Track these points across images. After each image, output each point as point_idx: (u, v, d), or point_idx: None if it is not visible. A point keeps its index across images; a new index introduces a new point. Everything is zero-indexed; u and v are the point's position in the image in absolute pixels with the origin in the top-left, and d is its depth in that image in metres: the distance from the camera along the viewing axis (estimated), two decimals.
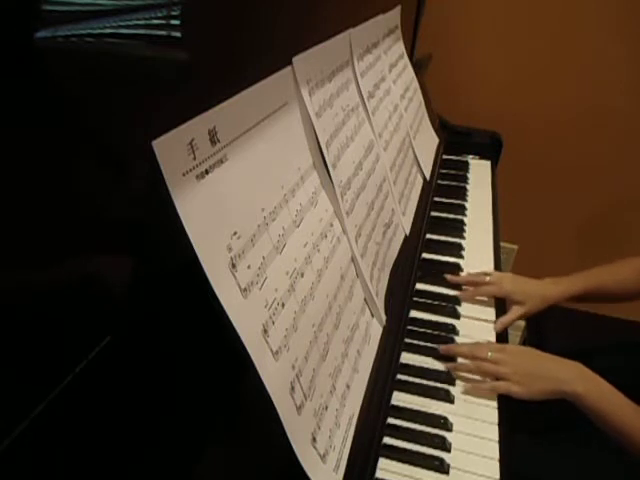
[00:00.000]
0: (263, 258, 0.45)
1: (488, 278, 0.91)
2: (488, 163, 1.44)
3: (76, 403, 0.33)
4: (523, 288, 0.89)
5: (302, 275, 0.51)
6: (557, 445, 0.82)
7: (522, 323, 1.39)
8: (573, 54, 1.48)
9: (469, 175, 1.36)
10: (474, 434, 0.67)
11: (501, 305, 0.91)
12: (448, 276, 0.93)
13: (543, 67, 1.51)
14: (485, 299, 0.91)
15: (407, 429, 0.67)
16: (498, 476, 0.63)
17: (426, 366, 0.76)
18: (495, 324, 0.86)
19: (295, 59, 0.56)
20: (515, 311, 0.87)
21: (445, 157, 1.42)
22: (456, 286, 0.93)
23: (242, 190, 0.44)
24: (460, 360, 0.75)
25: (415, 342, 0.80)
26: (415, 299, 0.90)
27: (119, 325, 0.37)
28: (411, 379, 0.74)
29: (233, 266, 0.40)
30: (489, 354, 0.71)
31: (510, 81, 1.56)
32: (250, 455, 0.46)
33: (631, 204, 1.59)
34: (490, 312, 0.89)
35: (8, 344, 0.29)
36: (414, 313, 0.87)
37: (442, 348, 0.76)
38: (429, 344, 0.80)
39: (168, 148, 0.34)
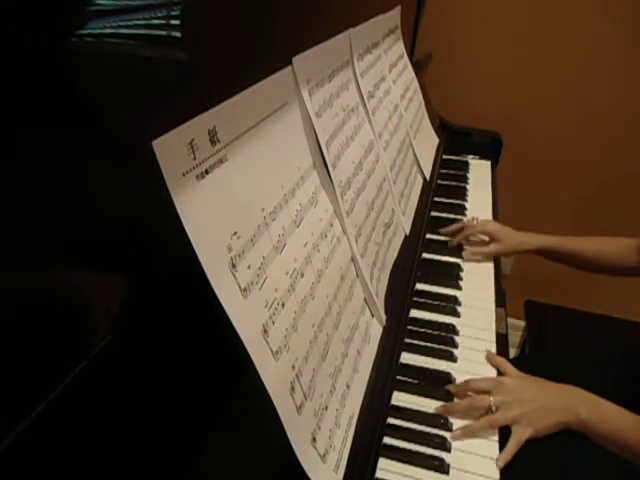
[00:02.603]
0: (263, 258, 0.45)
1: (474, 222, 1.05)
2: (488, 163, 1.44)
3: (76, 403, 0.33)
4: (504, 229, 1.01)
5: (302, 275, 0.51)
6: (557, 446, 0.82)
7: (522, 323, 1.39)
8: (573, 54, 1.48)
9: (469, 175, 1.36)
10: (474, 434, 0.67)
11: (501, 304, 0.91)
12: (442, 230, 1.07)
13: (543, 67, 1.51)
14: (484, 298, 0.92)
15: (407, 429, 0.67)
16: (498, 476, 0.63)
17: (426, 366, 0.76)
18: (466, 252, 0.99)
19: (295, 59, 0.56)
20: (492, 246, 0.99)
21: (445, 157, 1.42)
22: (456, 285, 0.93)
23: (242, 190, 0.44)
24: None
25: (415, 342, 0.80)
26: (415, 299, 0.90)
27: (119, 325, 0.37)
28: (411, 379, 0.74)
29: (233, 266, 0.40)
30: (491, 400, 0.67)
31: (510, 81, 1.55)
32: (250, 455, 0.46)
33: (632, 204, 1.59)
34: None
35: (9, 344, 0.29)
36: (414, 313, 0.87)
37: (439, 411, 0.69)
38: (429, 344, 0.80)
39: (168, 148, 0.34)
